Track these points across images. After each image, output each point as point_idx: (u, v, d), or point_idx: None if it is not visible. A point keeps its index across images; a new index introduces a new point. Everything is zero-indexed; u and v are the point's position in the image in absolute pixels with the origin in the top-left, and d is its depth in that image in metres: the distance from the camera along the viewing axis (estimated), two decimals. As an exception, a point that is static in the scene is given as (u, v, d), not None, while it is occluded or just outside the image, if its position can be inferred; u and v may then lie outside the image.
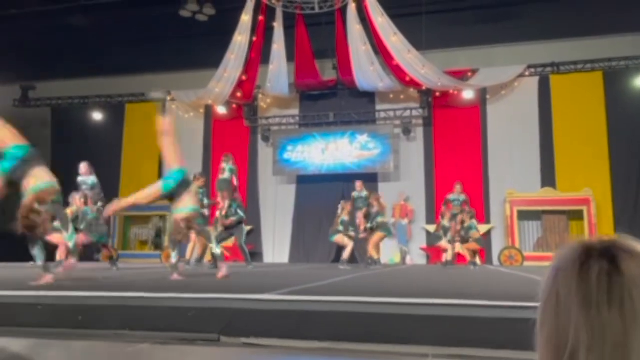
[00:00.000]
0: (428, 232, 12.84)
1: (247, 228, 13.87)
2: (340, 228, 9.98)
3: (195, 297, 3.02)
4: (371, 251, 10.01)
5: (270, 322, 2.55)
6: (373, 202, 10.10)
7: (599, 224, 11.65)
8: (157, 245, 14.08)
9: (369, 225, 9.92)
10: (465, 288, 4.03)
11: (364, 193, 11.05)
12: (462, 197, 11.64)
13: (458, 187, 11.77)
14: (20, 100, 15.07)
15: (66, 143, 14.69)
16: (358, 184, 11.33)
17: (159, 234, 14.24)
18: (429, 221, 12.87)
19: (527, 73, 12.96)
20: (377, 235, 9.93)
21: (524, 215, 12.25)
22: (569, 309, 0.67)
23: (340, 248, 10.50)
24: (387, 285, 4.82)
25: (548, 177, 12.47)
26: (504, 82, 12.96)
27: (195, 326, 2.60)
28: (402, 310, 2.41)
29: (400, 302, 2.57)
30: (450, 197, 11.69)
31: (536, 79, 13.00)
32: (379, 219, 9.94)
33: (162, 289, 3.64)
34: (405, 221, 12.91)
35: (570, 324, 0.66)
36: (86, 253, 9.07)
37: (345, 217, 10.06)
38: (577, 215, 11.98)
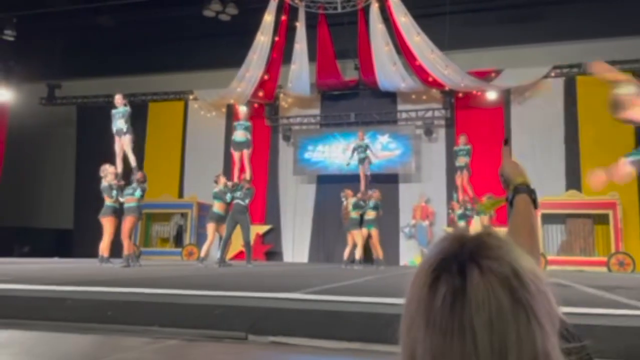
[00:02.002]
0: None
1: (267, 227, 13.99)
2: (355, 216, 10.11)
3: (224, 295, 3.03)
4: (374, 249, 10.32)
5: (299, 321, 2.54)
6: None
7: (625, 228, 11.40)
8: (178, 243, 14.21)
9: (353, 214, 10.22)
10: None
11: (365, 142, 11.99)
12: (468, 146, 11.83)
13: (463, 139, 11.87)
14: (47, 99, 15.34)
15: (91, 141, 14.90)
16: (360, 134, 12.07)
17: (179, 232, 14.36)
18: (450, 224, 12.74)
19: (552, 74, 12.75)
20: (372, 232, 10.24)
21: (547, 219, 12.04)
22: (417, 327, 0.58)
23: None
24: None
25: (573, 180, 12.25)
26: (528, 83, 12.77)
27: (223, 324, 2.60)
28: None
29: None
30: (456, 148, 12.00)
31: (562, 80, 12.78)
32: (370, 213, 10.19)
33: (191, 286, 3.66)
34: (425, 223, 12.81)
35: (417, 346, 0.57)
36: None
37: (353, 199, 10.22)
38: (602, 220, 11.74)
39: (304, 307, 2.72)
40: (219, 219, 9.68)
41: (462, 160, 11.77)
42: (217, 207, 9.82)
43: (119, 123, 9.21)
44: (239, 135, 10.31)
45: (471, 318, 0.54)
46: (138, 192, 8.30)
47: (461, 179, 11.86)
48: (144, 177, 8.67)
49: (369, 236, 10.40)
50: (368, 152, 12.16)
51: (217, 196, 9.81)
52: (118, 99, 9.35)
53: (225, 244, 9.42)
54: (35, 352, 2.40)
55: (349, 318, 2.46)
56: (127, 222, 8.22)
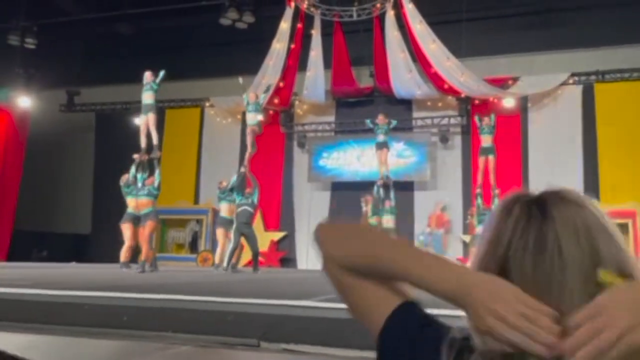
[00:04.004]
0: (464, 243, 12.60)
1: (281, 234, 14.00)
2: (373, 222, 10.03)
3: (236, 301, 3.04)
4: None
5: (312, 328, 2.53)
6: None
7: (646, 238, 11.20)
8: (193, 249, 14.30)
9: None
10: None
11: (387, 125, 11.42)
12: (492, 124, 11.12)
13: (487, 120, 11.18)
14: (66, 106, 15.60)
15: (109, 147, 15.11)
16: (381, 117, 11.55)
17: (195, 238, 14.46)
18: (466, 231, 12.63)
19: (570, 81, 12.62)
20: None
21: (565, 227, 11.87)
22: (485, 250, 0.67)
23: None
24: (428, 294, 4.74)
25: (591, 189, 12.07)
26: (546, 91, 12.65)
27: (235, 331, 2.61)
28: (446, 321, 2.35)
29: (447, 315, 2.51)
30: (481, 125, 11.28)
31: (580, 88, 12.64)
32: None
33: (204, 292, 3.68)
34: (441, 231, 12.72)
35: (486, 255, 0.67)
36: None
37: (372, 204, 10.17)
38: (622, 229, 11.21)
39: (317, 314, 2.71)
40: (228, 224, 9.74)
41: (487, 140, 10.98)
42: (224, 211, 9.92)
43: (149, 98, 9.19)
44: (250, 117, 10.41)
45: (556, 232, 0.62)
46: (157, 181, 8.41)
47: (485, 162, 11.07)
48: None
49: None
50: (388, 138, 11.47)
51: (223, 198, 9.95)
52: (148, 75, 9.29)
53: (233, 251, 9.44)
54: (53, 357, 2.43)
55: (361, 326, 2.45)
56: (147, 227, 8.30)
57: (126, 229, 8.49)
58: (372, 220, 10.18)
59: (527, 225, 0.64)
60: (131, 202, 8.63)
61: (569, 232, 0.62)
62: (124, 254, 8.53)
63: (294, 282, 6.22)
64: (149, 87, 9.24)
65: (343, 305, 2.70)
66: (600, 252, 0.62)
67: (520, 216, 0.65)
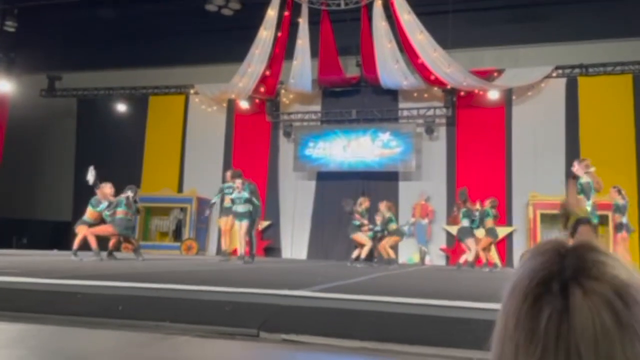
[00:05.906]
0: (448, 233, 12.75)
1: (266, 223, 13.98)
2: (356, 223, 10.03)
3: (234, 291, 3.03)
4: (383, 250, 10.23)
5: (311, 318, 2.54)
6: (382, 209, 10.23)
7: (624, 230, 11.45)
8: (177, 237, 14.21)
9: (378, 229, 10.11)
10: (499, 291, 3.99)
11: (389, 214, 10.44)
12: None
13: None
14: (47, 90, 15.28)
15: (91, 133, 14.90)
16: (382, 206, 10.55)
17: (179, 226, 14.36)
18: (450, 222, 12.77)
19: (554, 74, 12.76)
20: (392, 238, 10.16)
21: (547, 219, 12.08)
22: (514, 343, 0.56)
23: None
24: (423, 286, 4.79)
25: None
26: (530, 83, 12.79)
27: (235, 321, 2.61)
28: (447, 313, 2.39)
29: (445, 305, 2.55)
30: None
31: (564, 81, 12.80)
32: (392, 225, 10.13)
33: (202, 282, 3.66)
34: (425, 221, 12.84)
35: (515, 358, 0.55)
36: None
37: (364, 210, 10.13)
38: (602, 220, 11.76)
39: (316, 304, 2.72)
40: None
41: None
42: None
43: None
44: None
45: (576, 340, 0.53)
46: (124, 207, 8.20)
47: None
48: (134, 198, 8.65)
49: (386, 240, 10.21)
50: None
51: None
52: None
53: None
54: (51, 348, 2.40)
55: (361, 316, 2.47)
56: (103, 228, 8.17)
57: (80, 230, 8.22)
58: (355, 221, 10.16)
59: (558, 327, 0.54)
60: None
61: (587, 341, 0.53)
62: (76, 243, 8.17)
63: (285, 272, 6.23)
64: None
65: (343, 296, 2.71)
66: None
67: (551, 315, 0.54)
